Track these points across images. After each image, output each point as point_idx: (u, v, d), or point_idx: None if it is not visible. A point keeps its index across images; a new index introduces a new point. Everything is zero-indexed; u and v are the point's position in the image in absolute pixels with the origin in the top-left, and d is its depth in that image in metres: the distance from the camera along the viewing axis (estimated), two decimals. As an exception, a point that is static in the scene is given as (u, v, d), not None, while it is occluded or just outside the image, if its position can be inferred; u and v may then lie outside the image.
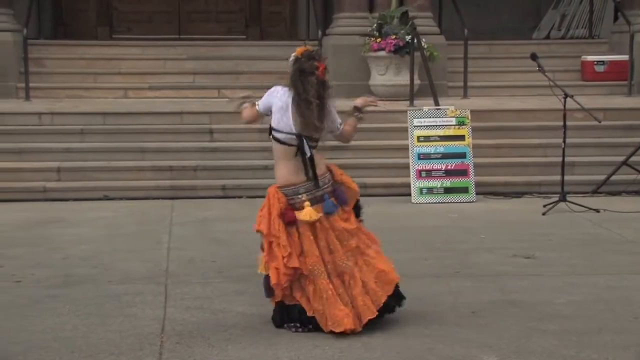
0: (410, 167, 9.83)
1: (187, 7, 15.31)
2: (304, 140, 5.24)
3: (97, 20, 15.11)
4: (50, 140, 10.42)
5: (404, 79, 12.01)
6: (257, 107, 5.46)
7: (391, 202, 9.60)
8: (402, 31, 12.09)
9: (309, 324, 5.21)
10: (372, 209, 9.26)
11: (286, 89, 5.31)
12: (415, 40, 11.76)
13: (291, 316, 5.26)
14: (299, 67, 5.29)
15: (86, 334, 5.18)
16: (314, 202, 5.26)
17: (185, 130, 10.78)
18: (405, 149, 9.98)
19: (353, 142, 10.58)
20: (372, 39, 12.26)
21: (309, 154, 5.26)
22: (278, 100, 5.31)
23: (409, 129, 9.95)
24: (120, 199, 9.62)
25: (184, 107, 11.24)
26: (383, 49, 12.12)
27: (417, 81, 11.96)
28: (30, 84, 11.89)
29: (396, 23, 12.22)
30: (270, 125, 5.35)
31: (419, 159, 9.85)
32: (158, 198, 9.65)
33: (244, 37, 14.95)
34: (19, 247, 7.44)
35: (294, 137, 5.25)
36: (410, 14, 12.27)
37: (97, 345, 4.99)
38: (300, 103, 5.21)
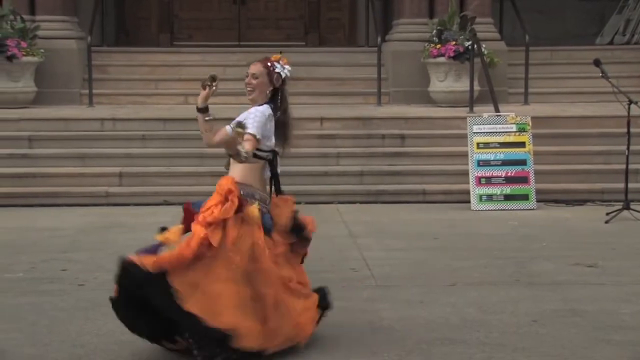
0: (470, 174, 9.75)
1: (247, 14, 15.41)
2: (276, 156, 5.07)
3: (158, 28, 15.29)
4: (113, 145, 10.57)
5: (463, 85, 11.93)
6: (258, 138, 4.87)
7: (450, 209, 9.53)
8: (462, 37, 12.01)
9: None
10: (431, 215, 9.27)
11: (270, 110, 4.96)
12: (476, 46, 11.67)
13: None
14: (284, 84, 5.05)
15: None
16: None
17: (245, 136, 10.82)
18: (464, 155, 9.90)
19: (412, 149, 10.69)
20: (432, 45, 12.20)
21: (277, 169, 5.07)
22: (267, 125, 4.94)
23: (469, 136, 9.87)
24: (180, 204, 9.67)
25: (243, 113, 11.29)
26: (443, 55, 12.05)
27: (477, 87, 11.87)
28: (94, 91, 12.08)
29: (456, 29, 12.15)
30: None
31: (479, 165, 9.76)
32: (217, 204, 9.69)
33: (303, 43, 15.00)
34: (82, 251, 7.55)
35: (270, 153, 5.03)
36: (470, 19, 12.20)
37: (156, 349, 5.03)
38: (287, 120, 5.03)
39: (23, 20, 12.07)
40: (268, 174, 5.10)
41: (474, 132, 9.85)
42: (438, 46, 12.11)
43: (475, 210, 9.57)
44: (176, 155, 10.39)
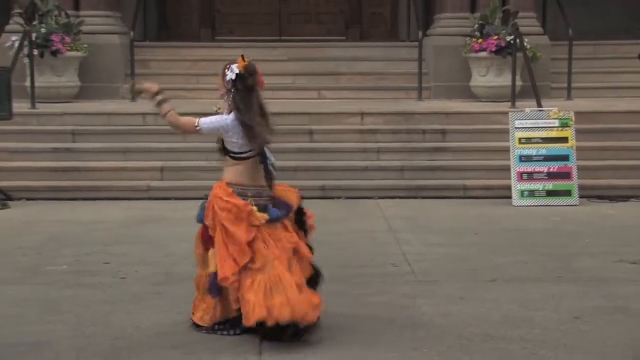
0: (511, 169, 9.67)
1: (288, 8, 15.42)
2: (266, 150, 5.21)
3: (200, 23, 15.36)
4: (154, 140, 10.65)
5: (505, 80, 11.84)
6: (196, 124, 5.21)
7: (491, 205, 9.47)
8: (504, 31, 11.92)
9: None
10: (472, 211, 9.22)
11: (230, 116, 5.12)
12: (518, 41, 11.57)
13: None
14: (244, 86, 5.14)
15: (187, 331, 5.26)
16: (259, 209, 5.09)
17: (285, 131, 10.82)
18: (506, 150, 9.83)
19: (453, 144, 10.64)
20: (474, 39, 12.13)
21: (272, 160, 5.22)
22: (229, 129, 5.13)
23: (510, 131, 9.79)
24: (221, 198, 9.74)
25: (284, 108, 11.31)
26: (484, 50, 11.98)
27: (519, 82, 11.77)
28: (136, 85, 12.15)
29: (498, 23, 12.06)
30: (225, 147, 5.23)
31: (520, 161, 9.68)
32: (258, 198, 9.73)
33: (344, 38, 14.98)
34: (123, 245, 7.63)
35: (249, 152, 5.17)
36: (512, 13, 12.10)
37: (197, 342, 5.06)
38: (242, 121, 5.09)
39: (67, 16, 12.21)
40: (262, 170, 5.23)
41: (516, 127, 9.76)
42: (480, 41, 12.03)
43: (517, 205, 9.49)
44: (216, 150, 10.41)
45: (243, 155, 5.19)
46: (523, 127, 9.77)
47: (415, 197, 9.89)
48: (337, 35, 15.11)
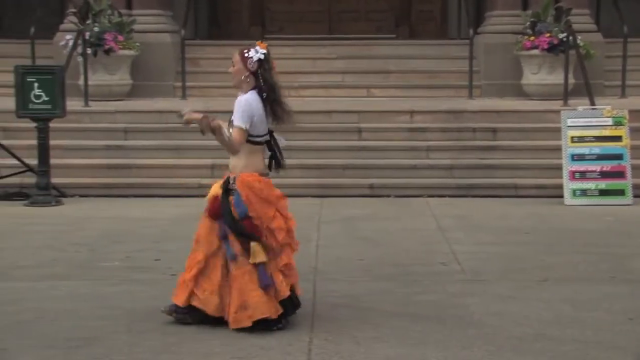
0: (563, 168, 9.56)
1: (338, 6, 15.41)
2: (273, 135, 5.37)
3: (250, 21, 15.43)
4: (205, 137, 10.63)
5: (557, 78, 11.71)
6: (244, 129, 5.21)
7: (543, 204, 9.37)
8: (557, 29, 11.79)
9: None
10: (523, 210, 9.13)
11: (255, 96, 5.24)
12: (571, 38, 11.43)
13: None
14: (270, 65, 5.32)
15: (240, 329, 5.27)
16: None
17: (334, 129, 10.87)
18: (558, 149, 9.72)
19: (504, 142, 10.54)
20: (526, 37, 12.01)
21: (283, 142, 5.41)
22: (258, 110, 5.24)
23: (563, 130, 9.68)
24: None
25: (333, 106, 11.33)
26: (536, 47, 11.86)
27: (571, 80, 11.64)
28: (187, 83, 12.28)
29: (550, 20, 11.92)
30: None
31: (573, 160, 9.56)
32: (306, 196, 9.75)
33: (394, 36, 14.92)
34: (174, 242, 7.67)
35: (265, 136, 5.34)
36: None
37: (246, 339, 5.08)
38: (273, 98, 5.26)
39: (120, 15, 12.34)
40: (267, 154, 5.39)
41: (568, 126, 9.65)
42: (532, 38, 11.92)
43: (569, 205, 9.38)
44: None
45: (259, 139, 5.31)
46: (575, 126, 9.65)
47: (465, 196, 9.83)
48: (386, 33, 15.06)
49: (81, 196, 9.82)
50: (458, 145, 10.56)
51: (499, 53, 12.40)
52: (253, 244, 5.14)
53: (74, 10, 12.25)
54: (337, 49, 13.51)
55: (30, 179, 9.62)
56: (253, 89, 5.29)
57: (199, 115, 5.23)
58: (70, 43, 11.64)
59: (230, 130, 5.22)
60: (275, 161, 5.42)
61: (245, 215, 5.18)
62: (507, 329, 5.24)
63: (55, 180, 9.64)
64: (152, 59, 12.52)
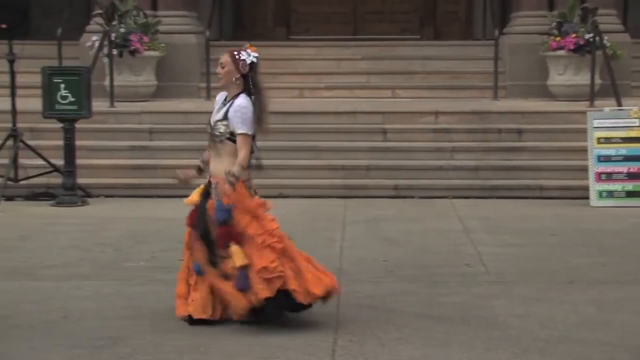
0: (589, 169, 9.50)
1: (363, 7, 15.39)
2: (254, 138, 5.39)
3: (275, 22, 15.45)
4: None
5: (583, 78, 11.63)
6: (250, 134, 5.30)
7: (568, 205, 9.31)
8: (583, 29, 11.71)
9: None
10: (549, 211, 9.08)
11: (247, 99, 5.30)
12: (597, 39, 11.35)
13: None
14: (257, 68, 5.41)
15: (264, 329, 5.28)
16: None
17: (359, 130, 10.86)
18: (584, 150, 9.65)
19: (530, 143, 10.49)
20: (552, 37, 11.94)
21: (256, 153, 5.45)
22: (252, 113, 5.30)
23: (589, 131, 9.61)
24: (295, 196, 9.79)
25: (358, 107, 11.32)
26: (562, 48, 11.79)
27: (597, 81, 11.56)
28: (212, 84, 12.30)
29: (577, 21, 11.85)
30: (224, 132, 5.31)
31: (599, 161, 9.50)
32: (331, 197, 9.76)
33: (418, 37, 14.88)
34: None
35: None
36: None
37: (271, 339, 5.09)
38: (259, 103, 5.32)
39: (145, 16, 12.40)
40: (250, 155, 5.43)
41: (595, 127, 9.58)
42: (558, 39, 11.85)
43: (595, 206, 9.31)
44: (291, 149, 10.48)
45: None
46: (602, 127, 9.58)
47: (490, 197, 9.79)
48: (411, 34, 15.03)
49: (106, 196, 9.88)
50: (483, 146, 10.52)
51: (524, 53, 12.34)
52: (234, 247, 5.18)
53: (100, 11, 12.32)
54: (361, 49, 13.50)
55: (56, 179, 9.69)
56: (242, 92, 5.34)
57: (193, 173, 5.69)
58: (96, 44, 11.72)
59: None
60: (256, 161, 5.50)
61: (225, 221, 5.20)
62: (532, 331, 5.22)
63: (80, 180, 9.71)
64: (177, 60, 12.57)
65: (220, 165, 5.34)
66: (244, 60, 5.36)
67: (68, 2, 13.33)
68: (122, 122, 11.17)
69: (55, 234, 8.06)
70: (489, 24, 13.61)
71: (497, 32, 12.29)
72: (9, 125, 9.80)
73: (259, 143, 5.49)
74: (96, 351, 4.93)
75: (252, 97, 5.32)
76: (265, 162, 10.48)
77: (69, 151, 9.49)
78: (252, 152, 5.40)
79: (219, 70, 5.44)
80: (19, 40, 9.99)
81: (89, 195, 9.76)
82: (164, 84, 12.41)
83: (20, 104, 9.96)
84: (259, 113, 5.31)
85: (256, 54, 5.41)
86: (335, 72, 13.02)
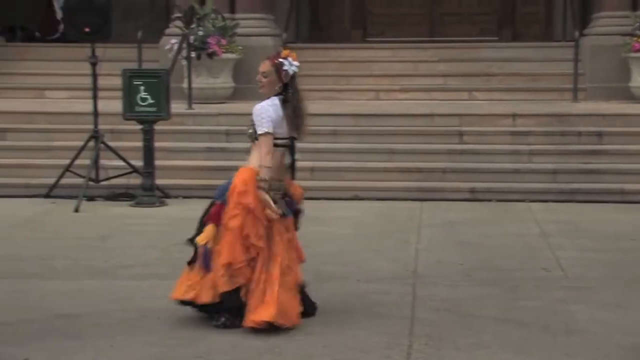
0: (673, 173, 9.25)
1: (440, 9, 15.29)
2: (294, 142, 5.43)
3: (351, 24, 15.45)
4: (305, 140, 10.72)
5: (668, 80, 11.36)
6: (267, 132, 5.40)
7: (651, 210, 9.09)
8: (667, 29, 11.44)
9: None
10: (630, 216, 8.87)
11: (276, 101, 5.37)
12: (682, 39, 11.07)
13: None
14: (295, 77, 5.42)
15: (333, 331, 5.28)
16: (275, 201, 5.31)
17: (435, 132, 10.78)
18: (667, 154, 9.42)
19: (611, 146, 10.27)
20: (635, 38, 11.68)
21: (296, 155, 5.48)
22: (275, 113, 5.38)
23: (673, 133, 9.37)
24: (369, 199, 9.78)
25: (434, 109, 11.25)
26: (646, 49, 11.53)
27: (682, 83, 11.26)
28: (288, 87, 12.36)
29: (661, 21, 11.58)
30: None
31: (683, 165, 9.25)
32: (406, 199, 9.70)
33: (497, 38, 14.72)
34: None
35: (287, 140, 5.43)
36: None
37: (346, 342, 5.08)
38: (299, 111, 5.40)
39: (223, 19, 12.53)
40: (289, 160, 5.48)
41: (679, 130, 9.34)
42: (641, 40, 11.59)
43: (679, 211, 9.08)
44: (366, 151, 10.46)
45: (278, 141, 5.39)
46: (686, 130, 9.33)
47: (569, 201, 9.60)
48: (489, 35, 14.87)
49: (184, 197, 9.99)
50: (562, 149, 10.34)
51: (605, 55, 12.10)
52: (209, 226, 5.35)
53: (179, 15, 12.50)
54: (439, 51, 13.41)
55: (135, 180, 9.85)
56: (276, 95, 5.42)
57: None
58: (175, 47, 11.88)
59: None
60: (292, 170, 5.53)
61: (216, 197, 5.39)
62: (613, 337, 5.11)
63: (159, 181, 9.85)
64: (254, 62, 12.47)
65: (253, 161, 5.49)
66: (286, 70, 5.43)
67: (148, 6, 13.57)
68: (199, 123, 11.30)
69: (134, 234, 8.20)
70: (569, 25, 13.39)
71: (577, 33, 12.07)
72: (91, 126, 10.00)
73: (301, 145, 5.57)
74: (173, 350, 5.00)
75: (289, 103, 5.40)
76: (338, 164, 10.51)
77: (148, 152, 9.64)
78: (291, 154, 5.46)
79: (259, 78, 5.52)
80: (101, 43, 10.17)
81: (167, 196, 9.90)
82: (241, 86, 12.51)
83: (102, 106, 10.15)
84: (297, 118, 5.40)
85: (297, 63, 5.47)
86: (411, 74, 12.96)
